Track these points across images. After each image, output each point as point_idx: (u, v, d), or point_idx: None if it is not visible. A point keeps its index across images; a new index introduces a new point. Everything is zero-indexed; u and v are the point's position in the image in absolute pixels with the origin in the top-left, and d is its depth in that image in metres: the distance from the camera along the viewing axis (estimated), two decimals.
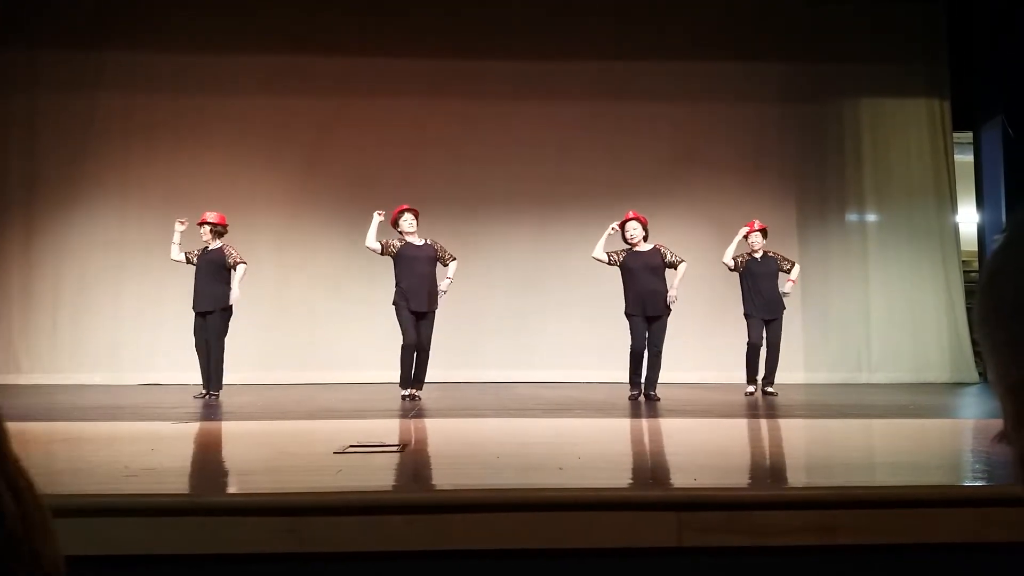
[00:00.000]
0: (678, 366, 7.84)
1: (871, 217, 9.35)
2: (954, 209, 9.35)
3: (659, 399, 6.36)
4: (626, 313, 6.58)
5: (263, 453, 3.54)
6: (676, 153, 9.05)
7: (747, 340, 7.06)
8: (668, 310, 6.55)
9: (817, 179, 9.24)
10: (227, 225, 6.79)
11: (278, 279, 8.88)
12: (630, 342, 6.52)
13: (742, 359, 7.09)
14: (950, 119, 9.34)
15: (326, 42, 8.93)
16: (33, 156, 8.85)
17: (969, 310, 8.94)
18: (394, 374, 7.95)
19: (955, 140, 9.49)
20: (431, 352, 6.54)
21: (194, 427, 4.54)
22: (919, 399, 6.71)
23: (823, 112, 9.30)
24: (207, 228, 6.63)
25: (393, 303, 6.57)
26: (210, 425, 4.70)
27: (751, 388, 7.04)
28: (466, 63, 9.04)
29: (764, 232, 7.28)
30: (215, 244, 6.62)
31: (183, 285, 7.92)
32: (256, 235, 8.96)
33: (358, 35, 8.96)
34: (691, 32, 9.07)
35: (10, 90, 8.83)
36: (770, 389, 7.06)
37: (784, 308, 7.19)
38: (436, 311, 6.59)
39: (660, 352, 6.47)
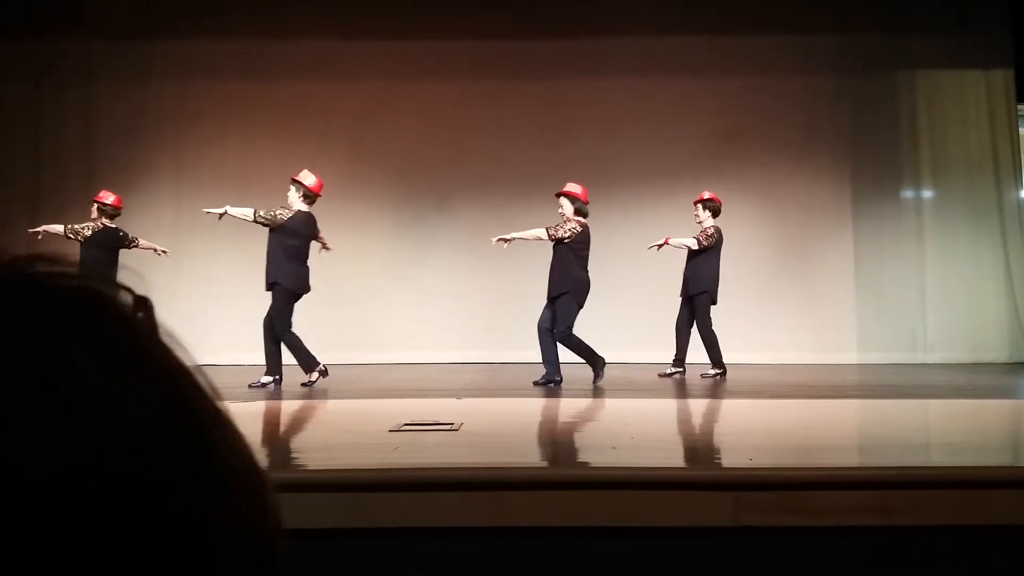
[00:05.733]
0: (728, 346, 7.76)
1: (927, 193, 9.11)
2: (1019, 184, 9.06)
3: (597, 382, 5.93)
4: None
5: (322, 431, 3.64)
6: (726, 129, 8.92)
7: None
8: (562, 295, 6.15)
9: (871, 154, 9.02)
10: (120, 208, 6.74)
11: (329, 262, 9.00)
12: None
13: (793, 339, 6.97)
14: (1014, 89, 9.02)
15: (371, 27, 8.98)
16: (91, 145, 9.09)
17: None
18: (445, 354, 8.00)
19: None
20: None
21: (253, 406, 4.67)
22: (977, 379, 6.57)
23: (878, 85, 9.06)
24: (95, 206, 6.69)
25: (304, 290, 6.01)
26: (269, 404, 4.83)
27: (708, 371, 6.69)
28: (510, 43, 9.01)
29: (705, 203, 6.92)
30: (99, 223, 6.59)
31: (237, 266, 8.11)
32: None
33: (403, 19, 8.99)
34: (740, 4, 8.90)
35: (67, 81, 9.07)
36: (669, 371, 6.67)
37: (693, 290, 6.69)
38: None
39: (562, 337, 6.09)
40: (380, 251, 8.89)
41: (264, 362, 5.90)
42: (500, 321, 8.86)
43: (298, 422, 4.02)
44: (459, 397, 5.06)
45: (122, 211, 6.83)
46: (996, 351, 8.65)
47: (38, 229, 6.72)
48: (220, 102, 9.09)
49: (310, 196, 6.07)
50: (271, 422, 4.15)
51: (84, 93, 9.09)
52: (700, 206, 6.95)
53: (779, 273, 8.39)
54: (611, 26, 8.92)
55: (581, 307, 6.20)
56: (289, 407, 4.73)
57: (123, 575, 0.27)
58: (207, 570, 0.28)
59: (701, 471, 2.44)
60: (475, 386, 5.92)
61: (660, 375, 6.68)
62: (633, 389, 5.81)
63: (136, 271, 0.33)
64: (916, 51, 8.99)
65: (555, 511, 2.17)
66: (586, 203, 6.33)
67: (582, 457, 2.82)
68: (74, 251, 6.56)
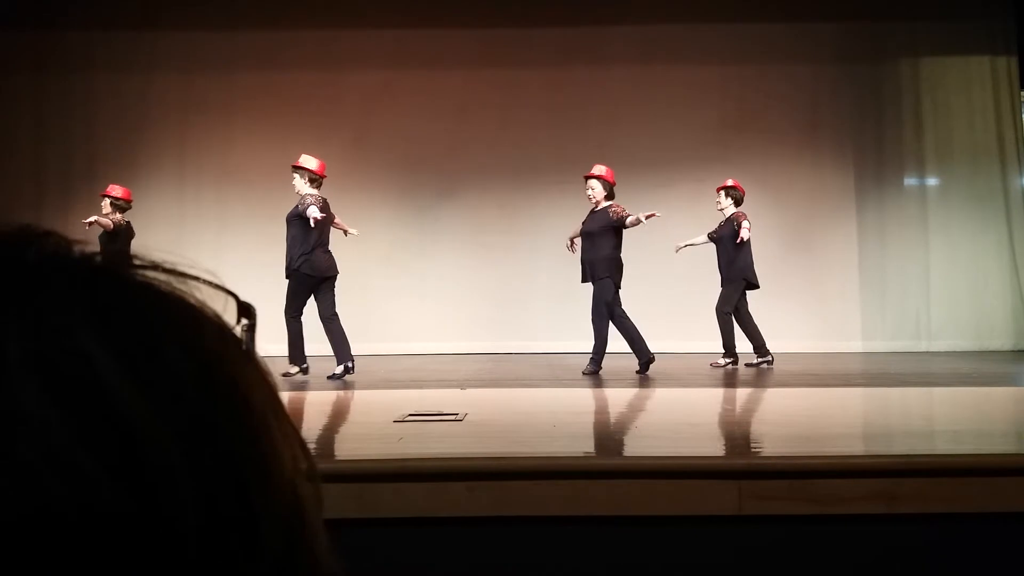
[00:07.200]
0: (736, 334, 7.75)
1: (931, 180, 9.09)
2: (1023, 171, 9.04)
3: (588, 373, 5.83)
4: None
5: (326, 422, 3.65)
6: (728, 118, 8.89)
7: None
8: (606, 277, 5.96)
9: (875, 142, 9.00)
10: (131, 201, 6.81)
11: (332, 252, 9.03)
12: None
13: (797, 327, 6.95)
14: (1017, 76, 8.99)
15: (374, 15, 8.95)
16: (93, 136, 9.08)
17: None
18: (448, 344, 8.00)
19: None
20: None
21: None
22: (982, 367, 6.56)
23: (881, 72, 9.02)
24: (107, 201, 6.73)
25: (334, 271, 5.96)
26: None
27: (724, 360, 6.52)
28: (513, 31, 8.98)
29: (727, 191, 6.85)
30: (115, 217, 6.63)
31: (239, 258, 8.10)
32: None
33: (405, 7, 8.96)
34: None
35: (69, 73, 9.05)
36: (756, 361, 6.52)
37: (733, 278, 6.61)
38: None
39: (594, 322, 5.96)
40: (383, 240, 8.89)
41: (333, 353, 5.74)
42: (504, 311, 8.86)
43: (301, 413, 4.03)
44: (463, 388, 5.06)
45: (132, 204, 6.88)
46: (1000, 339, 8.64)
47: (90, 220, 6.65)
48: (223, 92, 9.07)
49: (316, 179, 6.03)
50: None
51: (86, 84, 9.07)
52: (723, 193, 6.93)
53: (782, 261, 8.36)
54: (614, 14, 8.88)
55: (619, 287, 6.07)
56: (291, 398, 4.74)
57: None
58: None
59: (706, 459, 2.44)
60: (479, 377, 5.92)
61: (747, 365, 6.54)
62: (637, 378, 5.81)
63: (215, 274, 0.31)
64: (920, 38, 8.95)
65: (559, 500, 2.17)
66: (614, 185, 6.26)
67: (586, 446, 2.83)
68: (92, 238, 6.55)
